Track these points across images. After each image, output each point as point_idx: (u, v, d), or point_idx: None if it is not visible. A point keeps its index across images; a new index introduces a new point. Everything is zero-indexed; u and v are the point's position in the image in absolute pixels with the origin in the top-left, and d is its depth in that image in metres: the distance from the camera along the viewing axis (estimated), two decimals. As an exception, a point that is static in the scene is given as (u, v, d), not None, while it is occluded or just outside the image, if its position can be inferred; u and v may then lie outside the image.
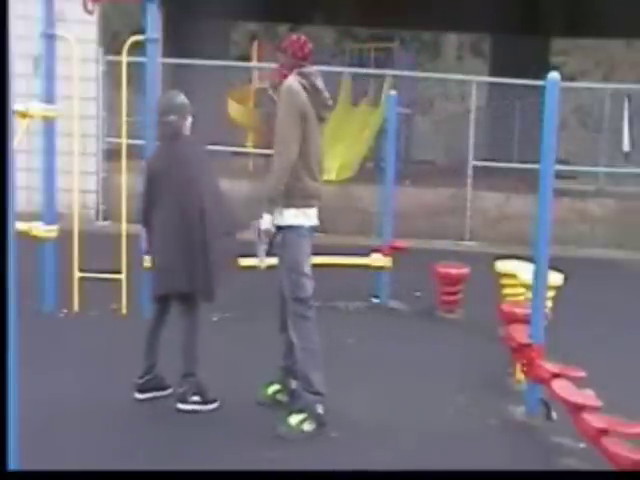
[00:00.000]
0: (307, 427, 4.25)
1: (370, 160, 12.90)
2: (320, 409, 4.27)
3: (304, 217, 4.30)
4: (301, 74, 4.29)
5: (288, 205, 4.24)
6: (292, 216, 4.26)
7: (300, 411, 4.27)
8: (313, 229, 4.39)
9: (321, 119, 4.40)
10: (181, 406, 4.45)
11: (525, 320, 4.76)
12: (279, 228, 4.28)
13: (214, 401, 4.49)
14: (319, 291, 4.39)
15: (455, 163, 12.80)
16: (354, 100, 13.04)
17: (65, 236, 6.31)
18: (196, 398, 4.45)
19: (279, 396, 4.62)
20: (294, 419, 4.25)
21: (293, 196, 4.23)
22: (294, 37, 4.44)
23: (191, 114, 4.53)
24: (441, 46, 25.95)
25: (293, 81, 4.25)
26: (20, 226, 5.15)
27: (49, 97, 6.25)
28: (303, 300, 4.28)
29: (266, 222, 4.20)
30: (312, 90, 4.29)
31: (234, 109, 12.19)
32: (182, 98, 4.57)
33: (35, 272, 6.10)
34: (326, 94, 4.38)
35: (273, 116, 4.31)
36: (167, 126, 4.49)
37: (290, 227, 4.28)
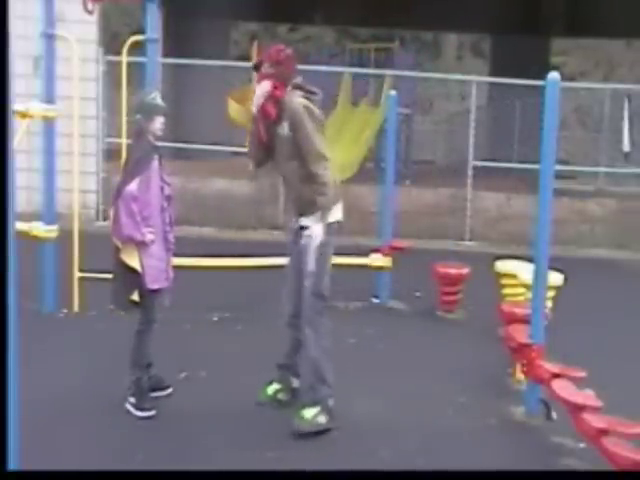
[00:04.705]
0: (321, 419, 4.28)
1: (370, 160, 12.89)
2: (331, 402, 4.32)
3: (333, 215, 4.35)
4: (298, 87, 4.34)
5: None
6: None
7: (314, 404, 4.30)
8: (339, 223, 4.42)
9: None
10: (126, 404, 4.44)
11: (525, 320, 4.76)
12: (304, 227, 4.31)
13: (150, 409, 4.38)
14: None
15: (455, 163, 12.80)
16: (354, 100, 13.03)
17: (65, 236, 6.31)
18: (132, 400, 4.41)
19: (280, 395, 4.62)
20: (309, 412, 4.27)
21: None
22: (283, 49, 4.40)
23: (162, 115, 4.46)
24: (441, 46, 25.98)
25: (298, 97, 4.29)
26: (20, 226, 5.15)
27: (49, 97, 6.25)
28: (323, 296, 4.32)
29: (320, 233, 4.20)
30: (311, 96, 4.36)
31: (234, 109, 12.19)
32: (152, 98, 4.53)
33: (35, 272, 6.10)
34: (319, 92, 4.43)
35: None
36: (134, 124, 4.52)
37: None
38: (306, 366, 4.43)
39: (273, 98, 4.29)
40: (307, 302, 4.31)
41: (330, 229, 4.32)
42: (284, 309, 4.57)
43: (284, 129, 4.30)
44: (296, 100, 4.28)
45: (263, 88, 4.32)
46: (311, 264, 4.21)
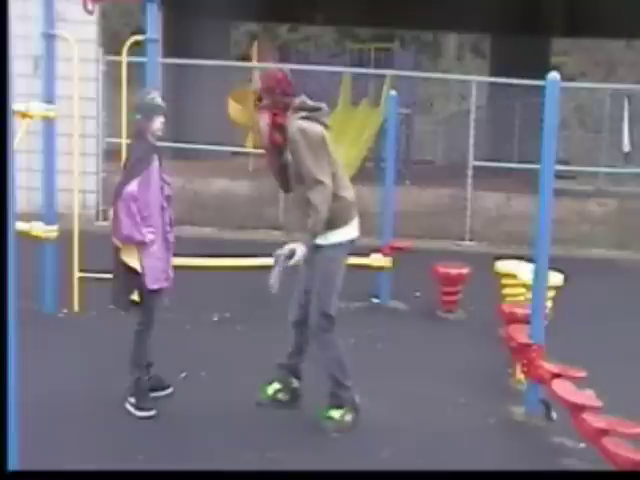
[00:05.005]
0: (349, 418, 4.35)
1: (370, 160, 12.90)
2: (357, 399, 4.39)
3: (344, 234, 4.39)
4: (298, 109, 4.29)
5: (331, 227, 4.29)
6: (333, 235, 4.33)
7: (340, 406, 4.34)
8: (352, 242, 4.45)
9: (326, 127, 4.41)
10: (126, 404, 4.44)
11: (525, 320, 4.76)
12: (317, 245, 4.29)
13: (150, 409, 4.38)
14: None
15: (455, 163, 12.80)
16: (354, 100, 13.03)
17: (65, 236, 6.31)
18: (132, 400, 4.40)
19: (280, 395, 4.62)
20: (337, 412, 4.33)
21: (334, 218, 4.29)
22: (272, 75, 4.37)
23: (162, 115, 4.45)
24: (441, 46, 26.00)
25: (298, 119, 4.24)
26: (20, 226, 5.15)
27: (49, 97, 6.25)
28: (329, 316, 4.31)
29: (301, 255, 4.16)
30: (315, 114, 4.32)
31: (234, 109, 12.21)
32: (151, 98, 4.52)
33: (35, 272, 6.10)
34: (324, 105, 4.40)
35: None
36: (134, 124, 4.52)
37: (331, 245, 4.32)
38: (323, 374, 4.43)
39: (275, 126, 4.25)
40: (312, 318, 4.33)
41: (340, 248, 4.36)
42: (289, 312, 4.57)
43: (289, 155, 4.30)
44: (293, 124, 4.23)
45: (263, 121, 4.30)
46: (274, 277, 4.12)
